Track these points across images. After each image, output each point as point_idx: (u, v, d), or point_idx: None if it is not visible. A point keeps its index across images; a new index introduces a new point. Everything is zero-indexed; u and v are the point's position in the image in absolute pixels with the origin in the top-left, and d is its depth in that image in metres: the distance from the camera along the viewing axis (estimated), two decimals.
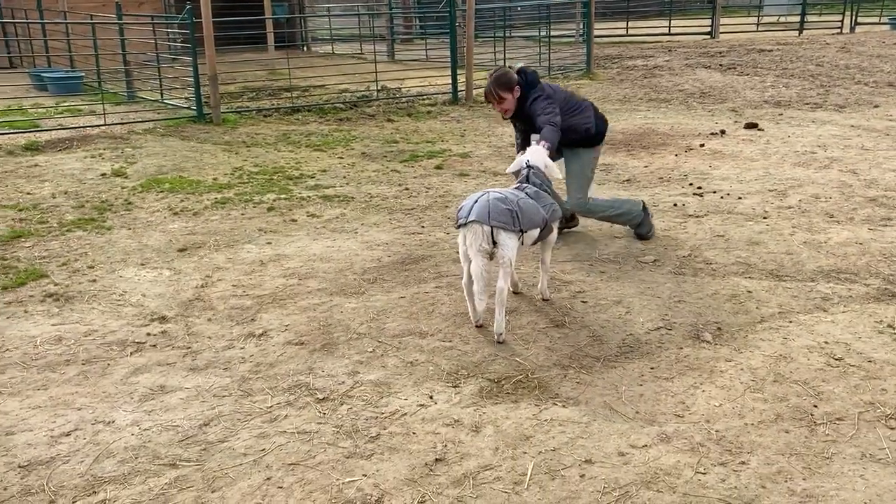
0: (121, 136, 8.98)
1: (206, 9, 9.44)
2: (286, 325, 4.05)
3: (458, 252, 4.26)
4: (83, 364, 3.64)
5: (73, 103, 11.06)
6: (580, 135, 5.10)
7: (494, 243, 3.73)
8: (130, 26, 12.31)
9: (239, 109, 10.83)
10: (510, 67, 4.99)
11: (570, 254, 5.02)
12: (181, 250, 5.24)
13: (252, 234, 5.56)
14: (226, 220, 5.89)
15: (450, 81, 11.57)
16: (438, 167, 7.62)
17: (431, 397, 3.29)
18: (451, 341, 3.83)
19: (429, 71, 13.78)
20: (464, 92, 11.46)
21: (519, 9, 20.10)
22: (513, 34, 17.83)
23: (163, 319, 4.14)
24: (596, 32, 14.94)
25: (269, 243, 5.38)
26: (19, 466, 2.84)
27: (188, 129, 9.49)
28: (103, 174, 7.30)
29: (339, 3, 23.54)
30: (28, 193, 6.63)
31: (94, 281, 4.70)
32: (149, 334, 3.96)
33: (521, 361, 3.59)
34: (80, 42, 12.93)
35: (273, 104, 11.38)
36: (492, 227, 3.69)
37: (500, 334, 3.78)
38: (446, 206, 6.19)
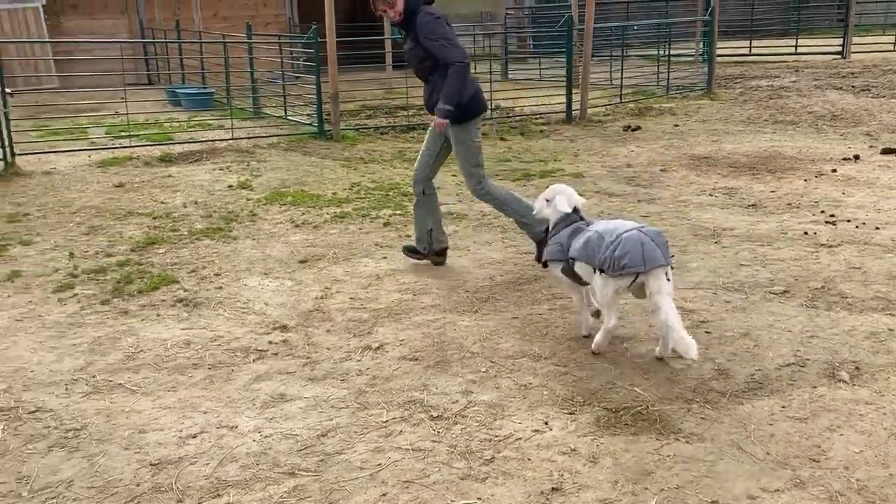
0: (247, 150, 9.39)
1: (330, 29, 9.77)
2: (401, 340, 4.09)
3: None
4: (209, 368, 3.79)
5: (203, 118, 11.68)
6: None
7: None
8: (259, 45, 12.91)
9: (357, 127, 11.13)
10: None
11: (692, 281, 4.83)
12: (302, 262, 5.40)
13: (369, 249, 5.66)
14: (344, 234, 6.03)
15: (563, 100, 11.48)
16: None
17: (546, 423, 3.23)
18: (566, 366, 3.75)
19: (542, 90, 13.72)
20: (578, 111, 11.34)
21: (636, 28, 19.76)
22: (630, 53, 17.52)
23: (284, 329, 4.26)
24: (717, 51, 14.46)
25: (384, 258, 5.47)
26: (151, 464, 2.97)
27: (309, 144, 9.82)
28: (230, 186, 7.65)
29: (453, 24, 23.83)
30: (162, 203, 7.03)
31: (221, 288, 4.90)
32: (270, 342, 4.09)
33: (641, 392, 3.46)
34: (211, 60, 13.68)
35: (389, 122, 11.63)
36: (668, 268, 3.52)
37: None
38: None
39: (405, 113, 12.06)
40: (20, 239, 5.91)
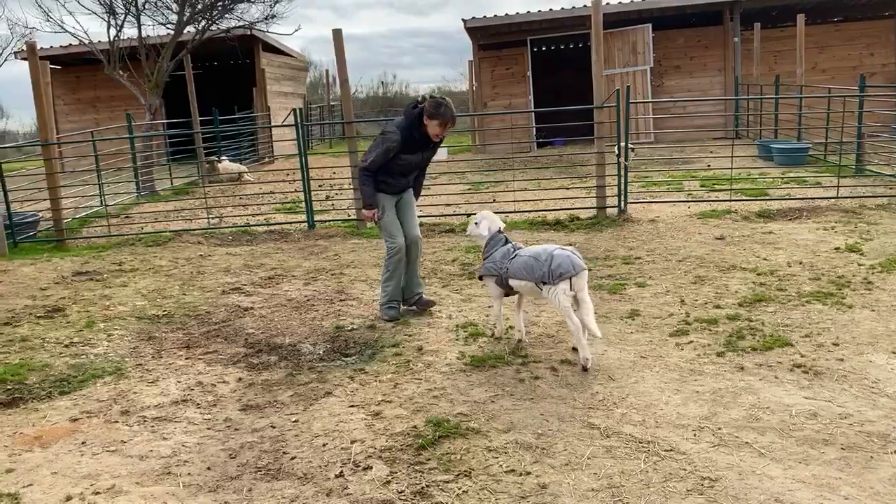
0: (852, 211, 8.66)
1: None
2: None
3: None
4: (843, 449, 3.47)
5: (798, 174, 11.24)
6: None
7: None
8: (873, 98, 11.87)
9: None
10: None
11: None
12: None
13: None
14: None
15: None
16: None
17: None
18: None
19: None
20: None
21: None
22: None
23: None
24: None
25: None
26: None
27: None
28: (837, 248, 7.11)
29: None
30: (764, 259, 6.90)
31: (842, 360, 4.51)
32: None
33: None
34: (810, 114, 13.13)
35: None
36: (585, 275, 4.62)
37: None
38: None
39: None
40: (635, 280, 6.46)
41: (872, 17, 18.79)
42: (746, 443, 3.57)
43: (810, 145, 12.77)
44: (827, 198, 9.30)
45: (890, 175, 10.44)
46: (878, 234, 7.53)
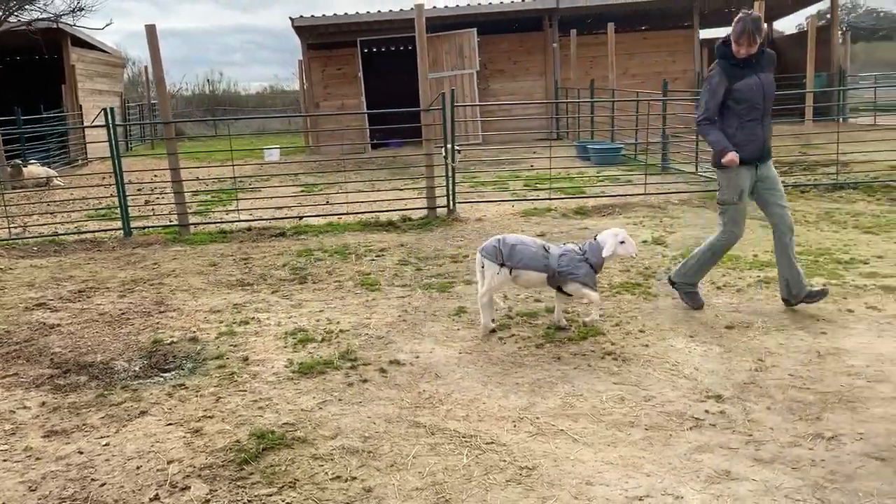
0: (658, 206, 9.39)
1: None
2: (860, 433, 3.59)
3: None
4: (646, 429, 3.75)
5: (612, 172, 12.03)
6: None
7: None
8: (673, 101, 12.93)
9: None
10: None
11: None
12: (728, 327, 5.13)
13: (804, 321, 5.17)
14: (772, 301, 5.61)
15: None
16: None
17: None
18: None
19: None
20: None
21: None
22: None
23: (718, 398, 4.06)
24: None
25: (823, 333, 4.93)
26: None
27: None
28: (644, 241, 7.68)
29: (885, 71, 21.29)
30: None
31: (647, 346, 4.88)
32: (706, 412, 3.91)
33: None
34: (621, 116, 14.10)
35: (809, 179, 10.69)
36: (481, 256, 5.16)
37: (486, 327, 5.19)
38: None
39: (828, 170, 10.99)
40: (462, 278, 6.63)
41: (674, 27, 20.49)
42: (562, 430, 3.77)
43: (623, 145, 13.72)
44: (637, 194, 10.03)
45: (690, 172, 11.43)
46: (679, 227, 8.21)
